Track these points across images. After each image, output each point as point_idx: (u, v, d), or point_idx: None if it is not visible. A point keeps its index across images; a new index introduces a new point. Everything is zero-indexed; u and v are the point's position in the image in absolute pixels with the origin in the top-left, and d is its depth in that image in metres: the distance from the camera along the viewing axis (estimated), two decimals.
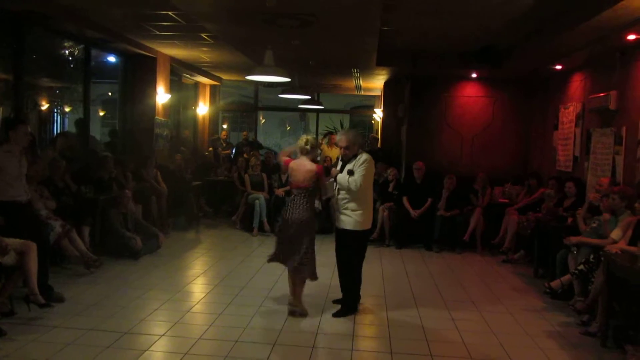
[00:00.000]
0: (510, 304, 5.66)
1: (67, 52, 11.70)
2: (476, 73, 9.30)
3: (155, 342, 4.26)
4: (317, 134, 17.46)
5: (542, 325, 5.03)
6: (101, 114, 17.91)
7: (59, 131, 13.58)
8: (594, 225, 5.59)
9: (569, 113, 8.03)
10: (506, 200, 8.56)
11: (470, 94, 9.82)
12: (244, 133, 14.76)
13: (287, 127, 25.84)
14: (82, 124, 8.70)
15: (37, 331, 4.34)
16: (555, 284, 5.57)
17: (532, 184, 8.27)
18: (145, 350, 4.08)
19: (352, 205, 4.98)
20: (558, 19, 6.07)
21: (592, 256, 5.17)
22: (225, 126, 18.98)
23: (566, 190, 7.05)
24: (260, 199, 9.03)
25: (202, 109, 13.32)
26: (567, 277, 5.47)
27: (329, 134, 15.02)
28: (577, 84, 7.94)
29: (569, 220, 6.47)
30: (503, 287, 6.35)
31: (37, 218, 5.59)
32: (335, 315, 5.01)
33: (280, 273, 6.42)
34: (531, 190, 8.25)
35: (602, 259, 4.73)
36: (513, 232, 7.65)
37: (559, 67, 8.03)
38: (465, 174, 9.05)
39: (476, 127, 9.77)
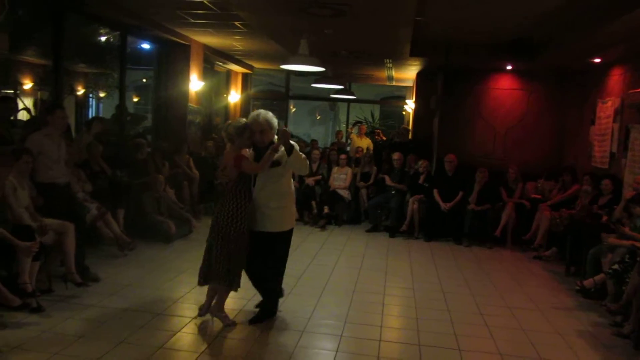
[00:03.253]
0: (540, 301, 5.58)
1: (103, 38, 11.94)
2: (511, 65, 9.12)
3: (186, 324, 4.35)
4: (347, 124, 17.45)
5: (573, 324, 4.95)
6: (135, 100, 18.23)
7: (93, 115, 13.89)
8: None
9: (606, 108, 7.83)
10: (539, 196, 8.41)
11: (505, 87, 9.65)
12: None
13: (317, 117, 25.83)
14: (120, 109, 8.84)
15: (74, 309, 4.48)
16: (588, 282, 5.47)
17: (566, 179, 8.10)
18: (177, 332, 4.17)
19: (275, 200, 4.32)
20: (597, 11, 5.90)
21: (627, 256, 5.06)
22: None
23: (602, 187, 6.89)
24: None
25: (234, 96, 13.42)
26: (601, 276, 5.37)
27: (358, 123, 14.98)
28: (616, 78, 7.72)
29: (604, 218, 6.34)
30: (533, 284, 6.28)
31: (74, 200, 5.76)
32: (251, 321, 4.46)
33: (308, 261, 6.48)
34: (565, 186, 8.09)
35: (638, 259, 4.63)
36: (545, 228, 7.53)
37: (597, 60, 7.82)
38: (497, 167, 8.92)
39: (510, 120, 9.61)
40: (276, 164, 4.25)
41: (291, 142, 4.25)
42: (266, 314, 4.55)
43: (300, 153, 4.32)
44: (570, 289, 5.96)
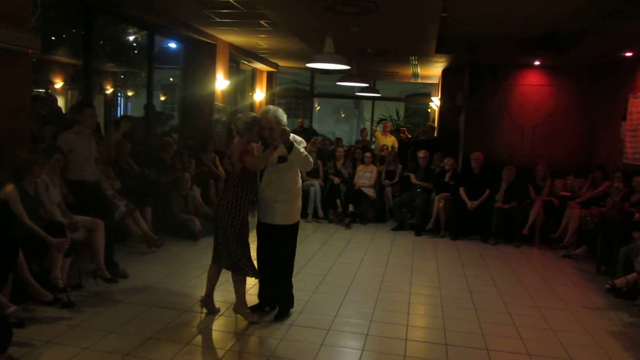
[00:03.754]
0: (570, 300, 5.48)
1: (131, 38, 12.12)
2: (539, 60, 8.97)
3: (213, 321, 4.40)
4: (372, 122, 17.39)
5: (604, 324, 4.85)
6: (162, 98, 18.47)
7: (122, 114, 14.12)
8: None
9: (638, 103, 7.63)
10: (568, 194, 8.25)
11: (532, 82, 9.48)
12: (299, 120, 14.86)
13: (341, 115, 25.81)
14: (148, 108, 8.96)
15: (103, 304, 4.57)
16: (620, 281, 5.35)
17: (597, 176, 7.92)
18: (205, 329, 4.22)
19: (282, 194, 4.42)
20: (630, 3, 5.75)
21: None
22: None
23: (634, 184, 6.73)
24: (315, 185, 9.08)
25: (259, 95, 13.49)
26: (633, 275, 5.25)
27: (383, 120, 14.91)
28: None
29: (636, 215, 6.19)
30: (563, 283, 6.16)
31: (104, 197, 5.85)
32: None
33: (334, 259, 6.48)
34: (595, 183, 7.92)
35: None
36: (575, 226, 7.38)
37: (629, 54, 7.64)
38: (525, 165, 8.78)
39: (538, 116, 9.44)
40: (283, 159, 4.32)
41: (296, 138, 4.37)
42: (284, 310, 4.58)
43: (302, 150, 4.36)
44: (600, 288, 5.83)
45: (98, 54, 9.82)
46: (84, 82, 7.25)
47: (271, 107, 4.42)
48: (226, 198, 4.27)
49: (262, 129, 4.28)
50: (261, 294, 4.69)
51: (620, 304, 5.35)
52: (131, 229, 6.28)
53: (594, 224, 6.84)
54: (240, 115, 4.34)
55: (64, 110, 9.20)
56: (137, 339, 3.89)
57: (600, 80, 9.09)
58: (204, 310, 4.50)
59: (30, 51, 4.85)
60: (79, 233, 4.87)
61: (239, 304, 4.38)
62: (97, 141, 6.04)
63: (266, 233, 4.50)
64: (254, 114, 4.38)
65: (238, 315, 4.46)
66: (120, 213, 6.10)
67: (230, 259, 4.24)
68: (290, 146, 4.25)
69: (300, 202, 4.65)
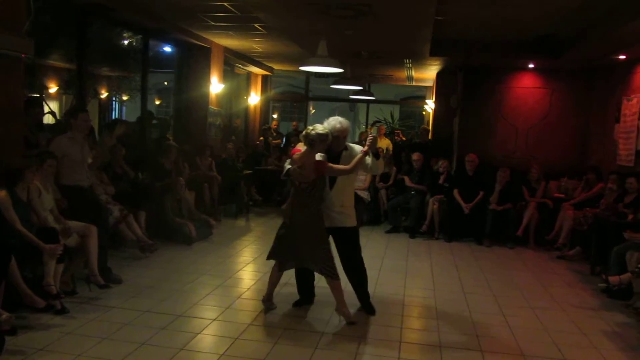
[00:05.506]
0: (564, 301, 5.49)
1: (126, 42, 12.12)
2: (533, 63, 9.00)
3: (207, 325, 4.39)
4: (366, 125, 17.41)
5: (598, 324, 4.86)
6: (157, 102, 18.46)
7: (115, 118, 14.07)
8: None
9: (632, 105, 7.67)
10: (562, 195, 8.28)
11: (526, 85, 9.52)
12: (294, 123, 14.87)
13: None
14: (145, 113, 8.92)
15: (97, 310, 4.55)
16: (614, 279, 5.36)
17: (590, 178, 7.96)
18: (198, 334, 4.20)
19: (348, 199, 4.77)
20: (623, 6, 5.79)
21: None
22: (275, 116, 19.18)
23: (627, 186, 6.75)
24: None
25: (254, 98, 13.49)
26: (627, 275, 5.26)
27: (377, 123, 14.92)
28: None
29: (630, 216, 6.21)
30: (557, 284, 6.18)
31: (97, 202, 5.83)
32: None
33: None
34: (589, 184, 7.96)
35: None
36: (569, 227, 7.41)
37: (622, 57, 7.68)
38: (519, 167, 8.80)
39: (532, 119, 9.48)
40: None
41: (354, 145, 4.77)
42: (367, 302, 4.86)
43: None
44: (594, 288, 5.86)
45: (92, 58, 9.81)
46: (78, 87, 7.23)
47: (337, 117, 4.69)
48: (300, 209, 4.49)
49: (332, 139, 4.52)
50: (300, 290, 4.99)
51: (614, 304, 5.37)
52: (125, 234, 6.26)
53: (587, 225, 6.87)
54: (312, 127, 4.46)
55: (58, 115, 9.21)
56: (131, 345, 3.88)
57: (594, 83, 9.14)
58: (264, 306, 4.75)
59: (23, 55, 4.84)
60: (72, 239, 4.85)
61: (340, 304, 4.55)
62: (91, 146, 6.04)
63: (338, 237, 4.75)
64: (324, 126, 4.53)
65: (233, 319, 4.46)
66: (114, 218, 6.08)
67: (320, 264, 4.47)
68: (375, 152, 4.62)
69: None
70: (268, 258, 4.78)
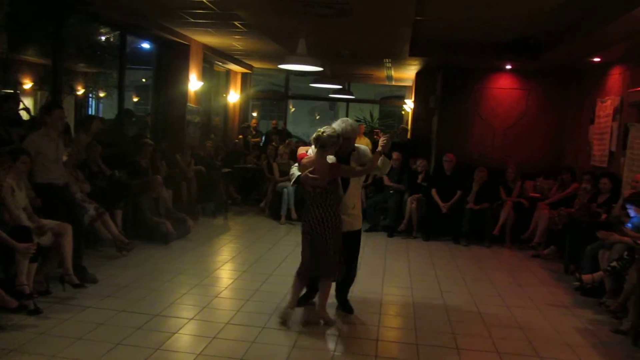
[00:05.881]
0: (538, 299, 5.58)
1: (103, 38, 11.93)
2: (510, 65, 9.12)
3: (184, 325, 4.35)
4: None
5: (571, 321, 4.96)
6: (135, 99, 18.22)
7: (88, 114, 13.82)
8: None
9: (606, 107, 7.82)
10: (537, 195, 8.41)
11: (504, 86, 9.64)
12: (274, 122, 14.83)
13: (316, 117, 25.82)
14: (121, 110, 8.80)
15: (71, 310, 4.48)
16: (587, 277, 5.47)
17: (565, 178, 8.10)
18: (175, 333, 4.17)
19: (357, 202, 4.74)
20: (597, 11, 5.90)
21: (626, 253, 5.06)
22: (255, 114, 19.11)
23: (601, 186, 6.89)
24: (288, 187, 9.07)
25: (233, 96, 13.42)
26: (600, 273, 5.37)
27: (356, 122, 14.95)
28: (615, 77, 7.71)
29: (603, 216, 6.34)
30: (532, 282, 6.27)
31: (72, 201, 5.74)
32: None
33: None
34: (564, 184, 8.10)
35: (637, 256, 4.62)
36: (544, 227, 7.54)
37: (597, 59, 7.82)
38: (496, 166, 8.92)
39: (509, 119, 9.60)
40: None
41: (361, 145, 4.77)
42: (346, 301, 4.88)
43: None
44: (568, 286, 5.97)
45: (68, 54, 9.62)
46: (53, 83, 7.10)
47: (347, 119, 4.68)
48: (318, 214, 4.37)
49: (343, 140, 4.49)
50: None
51: (587, 302, 5.49)
52: (101, 233, 6.18)
53: (562, 224, 6.99)
54: (323, 129, 4.39)
55: (32, 112, 9.03)
56: (106, 345, 3.83)
57: (570, 84, 9.30)
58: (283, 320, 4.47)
59: None
60: (46, 237, 4.76)
61: (322, 308, 4.53)
62: (67, 143, 5.93)
63: (346, 240, 4.62)
64: (334, 128, 4.47)
65: (210, 319, 4.43)
66: (90, 216, 5.99)
67: (327, 265, 4.41)
68: (388, 153, 4.64)
69: None
70: (299, 276, 4.58)
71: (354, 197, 4.68)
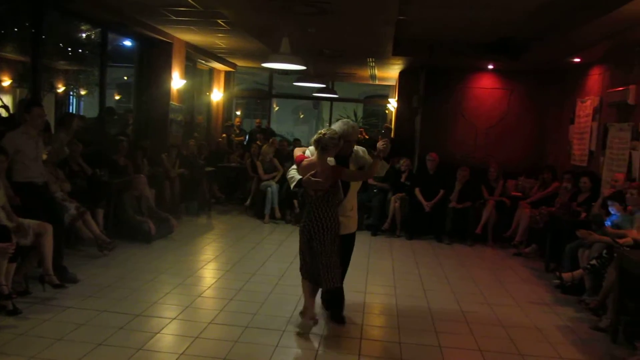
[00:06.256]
0: (520, 297, 5.64)
1: (84, 35, 11.77)
2: (492, 65, 9.20)
3: (166, 325, 4.32)
4: (330, 123, 17.45)
5: (552, 319, 5.02)
6: (116, 97, 18.03)
7: (66, 112, 13.62)
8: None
9: (585, 107, 7.94)
10: (519, 194, 8.50)
11: (486, 86, 9.73)
12: (257, 120, 14.79)
13: (300, 115, 25.80)
14: (102, 108, 8.70)
15: (51, 311, 4.41)
16: (567, 275, 5.55)
17: (546, 177, 8.20)
18: (157, 333, 4.13)
19: (355, 204, 4.66)
20: (578, 12, 5.98)
21: (605, 251, 5.13)
22: (238, 113, 19.02)
23: (581, 185, 6.99)
24: (272, 186, 9.06)
25: (216, 95, 13.34)
26: (579, 271, 5.45)
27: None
28: (595, 77, 7.83)
29: (583, 215, 6.42)
30: (513, 280, 6.34)
31: (53, 200, 5.66)
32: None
33: (291, 260, 6.46)
34: (545, 183, 8.19)
35: (615, 254, 4.70)
36: (525, 225, 7.62)
37: (577, 60, 7.93)
38: (478, 166, 8.99)
39: (491, 119, 9.69)
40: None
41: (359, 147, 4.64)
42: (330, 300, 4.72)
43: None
44: (549, 284, 6.04)
45: (48, 51, 9.48)
46: (32, 80, 6.99)
47: (348, 121, 4.55)
48: (318, 217, 4.26)
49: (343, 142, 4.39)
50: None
51: (567, 299, 5.56)
52: (82, 232, 6.11)
53: (543, 223, 7.08)
54: (324, 131, 4.28)
55: (11, 109, 8.89)
56: (87, 346, 3.78)
57: (551, 84, 9.40)
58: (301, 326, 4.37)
59: None
60: (26, 237, 4.68)
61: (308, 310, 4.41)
62: (47, 142, 5.84)
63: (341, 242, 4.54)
64: (335, 129, 4.36)
65: (193, 318, 4.40)
66: (70, 216, 5.92)
67: (329, 272, 4.27)
68: (387, 156, 4.60)
69: None
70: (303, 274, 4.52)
71: (353, 199, 4.60)
